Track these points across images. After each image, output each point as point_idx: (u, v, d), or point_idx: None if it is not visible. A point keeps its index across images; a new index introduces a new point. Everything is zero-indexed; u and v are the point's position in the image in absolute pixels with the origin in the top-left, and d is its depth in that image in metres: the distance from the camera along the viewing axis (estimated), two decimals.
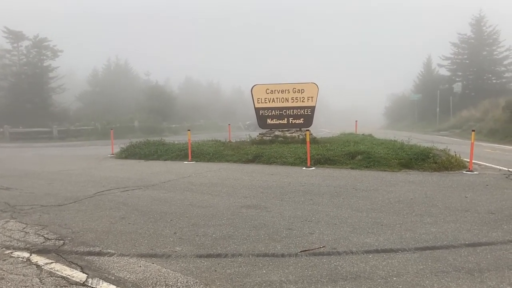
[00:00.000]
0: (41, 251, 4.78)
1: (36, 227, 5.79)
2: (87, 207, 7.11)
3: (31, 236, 5.36)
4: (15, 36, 38.92)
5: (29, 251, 4.79)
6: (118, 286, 3.81)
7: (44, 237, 5.34)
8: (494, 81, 49.25)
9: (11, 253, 4.73)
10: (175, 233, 5.47)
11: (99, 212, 6.73)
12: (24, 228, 5.78)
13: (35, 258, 4.56)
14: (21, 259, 4.53)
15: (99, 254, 4.70)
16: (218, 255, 4.60)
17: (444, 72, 53.93)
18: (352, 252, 4.63)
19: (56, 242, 5.13)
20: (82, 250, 4.83)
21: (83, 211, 6.81)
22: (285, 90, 16.74)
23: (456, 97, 45.95)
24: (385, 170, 11.05)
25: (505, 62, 48.04)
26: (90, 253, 4.71)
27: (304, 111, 16.80)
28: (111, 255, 4.66)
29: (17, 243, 5.11)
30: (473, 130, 11.91)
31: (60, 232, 5.56)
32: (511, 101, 30.04)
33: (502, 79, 48.58)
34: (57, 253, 4.70)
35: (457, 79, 50.52)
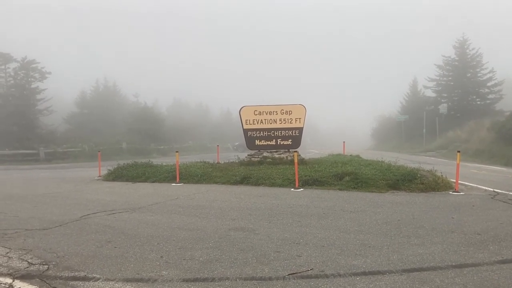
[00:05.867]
0: (24, 277, 4.68)
1: (20, 252, 5.68)
2: (73, 230, 7.01)
3: (15, 261, 5.26)
4: (3, 58, 38.79)
5: (12, 276, 4.69)
6: None
7: (28, 262, 5.24)
8: (479, 102, 50.16)
9: None
10: (161, 256, 5.42)
11: (85, 235, 6.64)
12: (7, 253, 5.66)
13: (18, 284, 4.47)
14: (3, 285, 4.43)
15: (84, 279, 4.62)
16: (205, 279, 4.56)
17: (429, 93, 54.91)
18: (339, 275, 4.62)
19: (40, 267, 5.04)
20: (66, 275, 4.74)
21: (69, 235, 6.71)
22: (273, 111, 16.88)
23: (442, 118, 46.69)
24: (372, 191, 11.09)
25: (489, 84, 49.03)
26: (75, 278, 4.63)
27: (292, 132, 16.91)
28: (97, 279, 4.58)
29: (0, 268, 5.00)
30: (459, 151, 12.07)
31: (45, 256, 5.46)
32: (496, 122, 30.61)
33: (486, 100, 49.47)
34: (41, 279, 4.61)
35: (443, 101, 51.39)
